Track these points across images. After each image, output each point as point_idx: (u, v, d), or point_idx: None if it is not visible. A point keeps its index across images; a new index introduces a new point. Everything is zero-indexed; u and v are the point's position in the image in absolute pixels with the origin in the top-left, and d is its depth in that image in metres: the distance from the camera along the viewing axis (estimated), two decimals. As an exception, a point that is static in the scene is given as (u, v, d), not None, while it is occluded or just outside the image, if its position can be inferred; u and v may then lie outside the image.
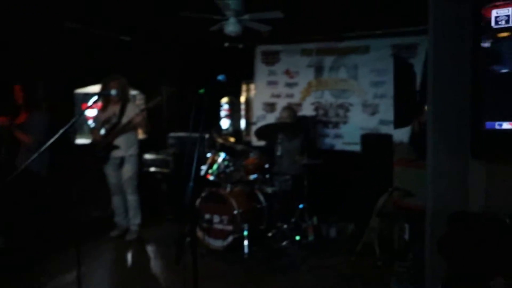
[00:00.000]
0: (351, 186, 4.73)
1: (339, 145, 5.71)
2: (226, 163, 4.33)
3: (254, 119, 6.26)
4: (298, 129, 4.85)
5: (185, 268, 2.15)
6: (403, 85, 3.59)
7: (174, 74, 6.13)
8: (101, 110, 4.40)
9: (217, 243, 4.02)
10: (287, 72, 6.03)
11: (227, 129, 6.80)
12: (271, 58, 6.15)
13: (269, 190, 4.28)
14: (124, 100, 4.29)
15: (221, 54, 6.12)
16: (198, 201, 4.16)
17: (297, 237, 4.18)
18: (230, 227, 3.95)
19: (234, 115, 6.86)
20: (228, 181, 4.25)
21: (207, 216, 4.10)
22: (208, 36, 5.11)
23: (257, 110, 6.27)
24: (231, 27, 4.44)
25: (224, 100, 6.82)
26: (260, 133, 4.94)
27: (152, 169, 5.36)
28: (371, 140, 4.78)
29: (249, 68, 6.27)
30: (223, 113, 6.83)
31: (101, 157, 4.35)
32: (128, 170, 4.37)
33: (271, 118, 6.09)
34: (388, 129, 5.30)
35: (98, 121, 4.44)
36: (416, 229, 3.84)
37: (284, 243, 4.12)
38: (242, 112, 6.67)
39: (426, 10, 2.69)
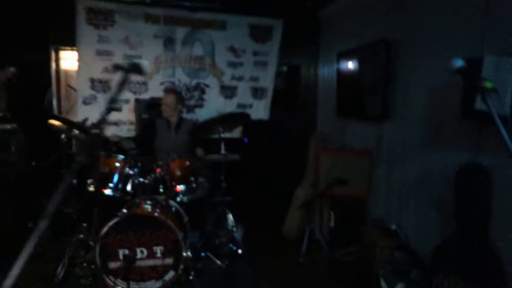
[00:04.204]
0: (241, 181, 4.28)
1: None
2: (130, 168, 3.00)
3: (80, 100, 4.57)
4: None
5: None
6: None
7: None
8: None
9: (149, 285, 2.78)
10: (126, 40, 4.68)
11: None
12: (101, 19, 4.58)
13: (185, 198, 3.27)
14: None
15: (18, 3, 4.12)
16: (102, 233, 2.73)
17: (239, 249, 3.49)
18: (169, 260, 2.80)
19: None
20: (142, 194, 2.97)
21: (122, 252, 2.76)
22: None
23: (84, 89, 4.59)
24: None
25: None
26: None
27: None
28: (256, 128, 4.46)
29: (66, 30, 4.48)
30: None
31: None
32: None
33: (102, 101, 4.62)
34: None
35: None
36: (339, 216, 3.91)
37: (221, 261, 3.31)
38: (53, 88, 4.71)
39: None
